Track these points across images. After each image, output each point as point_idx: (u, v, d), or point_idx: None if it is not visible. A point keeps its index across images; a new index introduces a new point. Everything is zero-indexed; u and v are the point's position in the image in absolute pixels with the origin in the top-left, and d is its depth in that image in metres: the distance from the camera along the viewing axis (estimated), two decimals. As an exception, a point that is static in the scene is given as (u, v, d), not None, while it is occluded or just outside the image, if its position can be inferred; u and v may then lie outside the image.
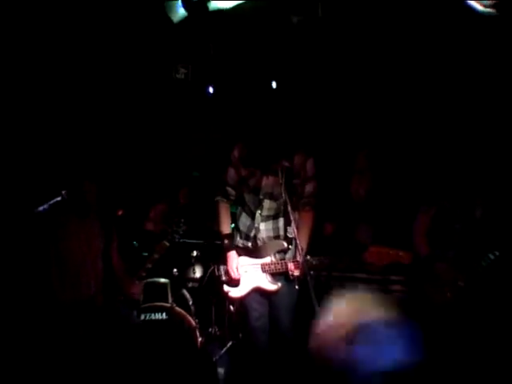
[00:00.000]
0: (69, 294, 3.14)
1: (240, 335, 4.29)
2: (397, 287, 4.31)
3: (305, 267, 3.08)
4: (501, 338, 3.30)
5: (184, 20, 3.87)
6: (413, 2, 3.33)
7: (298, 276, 3.23)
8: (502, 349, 3.26)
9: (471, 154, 3.56)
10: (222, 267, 3.49)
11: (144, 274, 3.54)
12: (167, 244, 3.56)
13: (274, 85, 5.07)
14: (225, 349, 4.39)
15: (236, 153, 3.49)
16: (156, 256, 3.55)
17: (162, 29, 4.03)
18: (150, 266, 3.55)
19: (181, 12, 3.78)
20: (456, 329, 3.34)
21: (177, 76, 4.62)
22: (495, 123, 3.97)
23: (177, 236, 3.64)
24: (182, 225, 3.64)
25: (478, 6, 3.15)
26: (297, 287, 3.24)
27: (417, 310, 3.56)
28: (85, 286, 3.20)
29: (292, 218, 3.18)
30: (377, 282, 4.33)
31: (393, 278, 4.33)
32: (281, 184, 3.26)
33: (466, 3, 3.18)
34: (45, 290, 3.12)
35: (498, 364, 3.17)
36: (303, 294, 3.11)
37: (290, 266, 3.26)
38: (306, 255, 3.32)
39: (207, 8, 3.39)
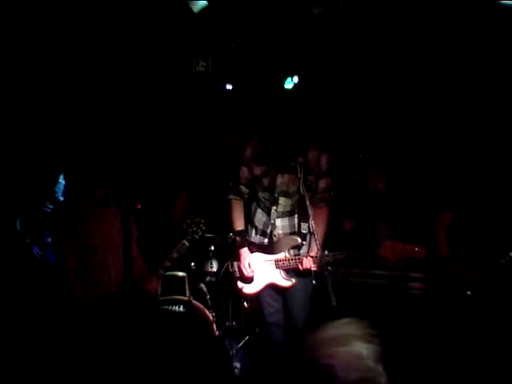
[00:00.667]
0: (90, 287, 3.19)
1: (256, 330, 4.31)
2: (416, 285, 4.27)
3: (322, 262, 3.06)
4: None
5: (205, 11, 3.87)
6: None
7: (315, 271, 3.21)
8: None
9: (491, 150, 3.48)
10: (235, 263, 3.51)
11: (162, 272, 3.57)
12: (187, 244, 3.58)
13: (295, 79, 5.02)
14: (241, 343, 4.41)
15: (249, 151, 3.49)
16: (175, 255, 3.57)
17: (182, 20, 4.02)
18: (168, 264, 3.57)
19: (201, 1, 3.77)
20: (473, 328, 3.29)
21: (197, 69, 4.61)
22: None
23: (196, 236, 3.66)
24: (202, 225, 3.66)
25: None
26: (314, 282, 3.22)
27: (434, 309, 3.53)
28: (106, 278, 3.25)
29: (310, 213, 3.15)
30: (396, 278, 4.29)
31: (412, 275, 4.28)
32: (299, 179, 3.23)
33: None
34: (64, 282, 3.19)
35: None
36: (320, 290, 3.10)
37: (306, 261, 3.24)
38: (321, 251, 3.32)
39: None
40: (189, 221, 3.63)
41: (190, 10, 3.85)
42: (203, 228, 3.64)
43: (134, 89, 4.85)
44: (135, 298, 3.34)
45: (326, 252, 3.24)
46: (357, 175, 4.78)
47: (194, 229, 3.62)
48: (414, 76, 4.44)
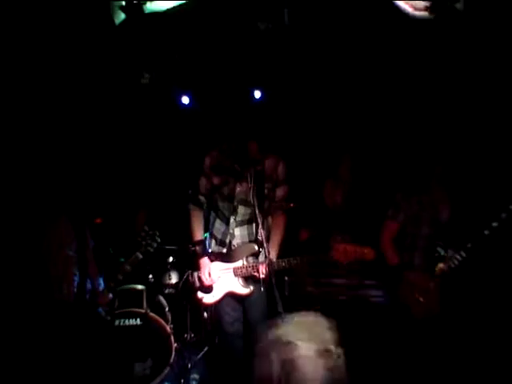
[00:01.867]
0: (40, 296, 3.11)
1: (216, 340, 4.29)
2: (372, 292, 4.36)
3: (270, 269, 3.10)
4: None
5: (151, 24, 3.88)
6: (380, 8, 3.40)
7: (263, 278, 3.26)
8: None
9: (438, 157, 3.63)
10: (195, 274, 3.50)
11: (112, 285, 3.53)
12: (140, 256, 3.56)
13: (257, 94, 5.10)
14: (200, 354, 4.39)
15: (208, 161, 3.53)
16: (128, 268, 3.53)
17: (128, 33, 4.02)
18: (120, 277, 3.53)
19: (122, 14, 3.76)
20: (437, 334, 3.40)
21: (142, 81, 4.63)
22: (464, 129, 4.06)
23: (151, 249, 3.64)
24: (157, 238, 3.64)
25: (409, 9, 3.22)
26: (262, 289, 3.26)
27: (395, 316, 3.62)
28: (57, 289, 3.18)
29: (259, 222, 3.20)
30: (353, 287, 4.37)
31: (367, 282, 4.37)
32: (250, 188, 3.29)
33: (397, 5, 3.23)
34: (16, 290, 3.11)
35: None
36: (271, 296, 3.13)
37: (261, 268, 3.27)
38: (276, 258, 3.37)
39: (143, 10, 3.41)
40: (143, 233, 3.61)
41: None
42: (158, 240, 3.63)
43: (94, 106, 4.80)
44: (84, 313, 3.27)
45: (273, 259, 3.30)
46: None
47: (148, 241, 3.60)
48: (372, 82, 4.59)
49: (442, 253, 3.41)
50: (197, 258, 3.50)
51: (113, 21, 3.58)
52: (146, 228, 3.67)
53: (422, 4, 3.20)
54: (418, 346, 3.45)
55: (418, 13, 3.24)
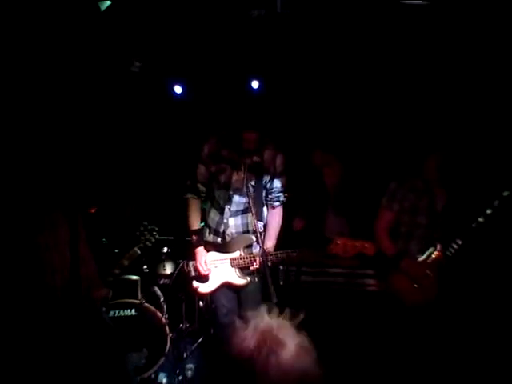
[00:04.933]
0: (32, 285, 3.07)
1: (211, 331, 4.29)
2: (369, 281, 4.37)
3: (264, 260, 3.09)
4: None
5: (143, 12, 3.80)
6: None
7: (257, 268, 3.25)
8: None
9: (430, 147, 3.63)
10: (190, 263, 3.50)
11: (111, 279, 3.50)
12: (138, 252, 3.53)
13: (254, 84, 5.06)
14: (195, 344, 4.39)
15: (206, 149, 3.49)
16: (126, 263, 3.51)
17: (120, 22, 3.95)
18: (117, 271, 3.50)
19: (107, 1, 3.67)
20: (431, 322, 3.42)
21: (132, 69, 4.55)
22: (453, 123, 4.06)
23: (149, 244, 3.61)
24: (155, 233, 3.62)
25: None
26: (256, 280, 3.25)
27: (388, 306, 3.64)
28: (49, 277, 3.14)
29: (254, 213, 3.19)
30: (349, 275, 4.38)
31: (364, 272, 4.38)
32: (243, 178, 3.28)
33: None
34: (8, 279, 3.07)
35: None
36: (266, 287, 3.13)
37: (259, 259, 3.27)
38: (274, 249, 3.37)
39: None
40: (142, 228, 3.58)
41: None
42: (156, 236, 3.60)
43: (89, 99, 4.73)
44: (78, 307, 3.24)
45: (270, 250, 3.31)
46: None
47: (147, 236, 3.58)
48: (367, 69, 4.57)
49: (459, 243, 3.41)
50: (193, 247, 3.48)
51: (98, 7, 3.51)
52: (145, 223, 3.65)
53: None
54: (411, 334, 3.47)
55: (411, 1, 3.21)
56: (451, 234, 3.43)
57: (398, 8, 3.58)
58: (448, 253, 3.43)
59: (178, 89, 5.32)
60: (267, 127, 3.44)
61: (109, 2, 3.67)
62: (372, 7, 3.76)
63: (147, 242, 3.57)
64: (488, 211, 3.33)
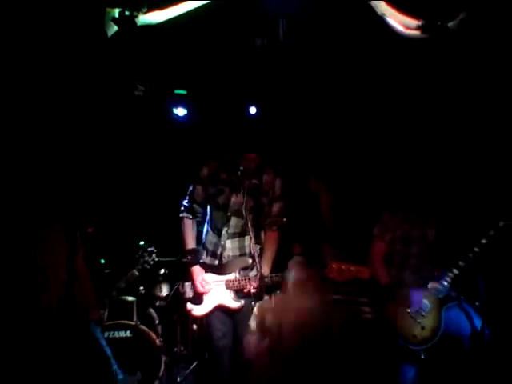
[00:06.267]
0: (28, 304, 3.07)
1: (206, 355, 4.26)
2: (366, 309, 4.34)
3: (262, 283, 3.10)
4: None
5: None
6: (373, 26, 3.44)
7: (254, 293, 3.25)
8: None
9: (422, 175, 3.65)
10: (186, 284, 3.49)
11: (107, 302, 3.50)
12: (136, 274, 3.54)
13: (252, 110, 5.14)
14: (190, 369, 4.35)
15: (205, 171, 3.54)
16: (123, 285, 3.51)
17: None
18: (114, 293, 3.50)
19: (115, 26, 3.77)
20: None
21: (135, 93, 4.63)
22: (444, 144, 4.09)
23: (147, 266, 3.62)
24: (154, 255, 3.63)
25: (400, 28, 3.23)
26: (253, 303, 3.25)
27: (383, 332, 3.61)
28: (45, 296, 3.13)
29: (252, 236, 3.21)
30: (347, 302, 4.35)
31: (361, 299, 4.36)
32: (242, 201, 3.30)
33: (388, 24, 3.24)
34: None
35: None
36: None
37: (254, 282, 3.27)
38: (270, 272, 3.38)
39: (135, 23, 3.40)
40: (141, 250, 3.60)
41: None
42: (156, 259, 3.62)
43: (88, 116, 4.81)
44: (72, 327, 3.22)
45: (266, 274, 3.31)
46: None
47: (146, 259, 3.59)
48: (364, 98, 4.63)
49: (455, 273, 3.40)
50: (188, 266, 3.49)
51: (105, 32, 3.59)
52: (145, 245, 3.67)
53: (414, 23, 3.22)
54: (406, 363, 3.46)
55: (409, 32, 3.26)
56: (447, 264, 3.42)
57: (398, 40, 3.65)
58: (445, 282, 3.41)
59: (180, 111, 5.40)
60: (266, 150, 3.49)
61: (116, 28, 3.76)
62: (373, 37, 3.84)
63: (146, 265, 3.59)
64: (483, 241, 3.33)
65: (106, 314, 3.97)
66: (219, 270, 3.44)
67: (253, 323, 1.54)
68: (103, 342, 3.61)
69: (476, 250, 3.32)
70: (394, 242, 3.59)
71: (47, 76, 4.07)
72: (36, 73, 4.00)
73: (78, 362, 3.10)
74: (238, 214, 3.45)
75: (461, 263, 3.36)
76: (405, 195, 3.67)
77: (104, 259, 4.57)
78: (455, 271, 3.38)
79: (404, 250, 3.56)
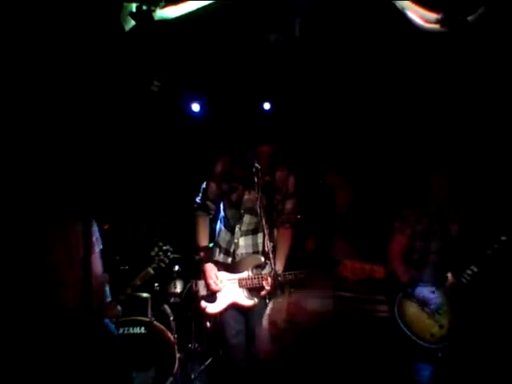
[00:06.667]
0: (44, 300, 3.09)
1: (220, 351, 4.26)
2: (381, 307, 4.30)
3: (276, 281, 3.07)
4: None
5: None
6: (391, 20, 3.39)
7: (268, 290, 3.23)
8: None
9: (443, 170, 3.60)
10: (199, 282, 3.48)
11: (123, 299, 3.50)
12: (152, 272, 3.54)
13: (266, 106, 5.12)
14: (204, 365, 4.35)
15: (219, 167, 3.51)
16: (138, 283, 3.52)
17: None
18: (129, 291, 3.51)
19: (132, 20, 3.76)
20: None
21: (151, 88, 4.64)
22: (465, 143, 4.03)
23: (163, 265, 3.62)
24: (169, 253, 3.63)
25: (420, 21, 3.19)
26: (267, 301, 3.22)
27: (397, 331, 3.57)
28: (62, 292, 3.15)
29: (266, 233, 3.18)
30: (362, 300, 4.32)
31: (377, 297, 4.32)
32: (256, 199, 3.28)
33: (408, 18, 3.21)
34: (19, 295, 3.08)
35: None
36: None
37: (267, 280, 3.24)
38: (283, 271, 3.34)
39: (153, 17, 3.39)
40: (157, 249, 3.60)
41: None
42: (171, 257, 3.61)
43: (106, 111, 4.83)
44: (89, 323, 3.23)
45: (280, 272, 3.28)
46: None
47: (161, 257, 3.59)
48: (381, 93, 4.58)
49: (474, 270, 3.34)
50: (201, 263, 3.48)
51: (122, 27, 3.59)
52: (160, 243, 3.67)
53: (433, 17, 3.17)
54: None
55: (428, 25, 3.21)
56: (465, 261, 3.37)
57: (415, 34, 3.60)
58: (463, 280, 3.36)
59: (195, 107, 5.40)
60: (281, 144, 3.46)
61: (133, 22, 3.76)
62: (389, 32, 3.79)
63: (161, 263, 3.59)
64: (503, 238, 3.27)
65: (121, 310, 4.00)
66: (232, 268, 3.42)
67: (265, 322, 1.53)
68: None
69: (495, 246, 3.27)
70: (414, 238, 3.57)
71: (64, 70, 4.09)
72: (53, 67, 4.03)
73: (95, 358, 3.11)
74: (251, 211, 3.43)
75: (479, 260, 3.31)
76: (423, 189, 3.64)
77: (119, 256, 4.59)
78: (474, 268, 3.33)
79: (423, 247, 3.53)
